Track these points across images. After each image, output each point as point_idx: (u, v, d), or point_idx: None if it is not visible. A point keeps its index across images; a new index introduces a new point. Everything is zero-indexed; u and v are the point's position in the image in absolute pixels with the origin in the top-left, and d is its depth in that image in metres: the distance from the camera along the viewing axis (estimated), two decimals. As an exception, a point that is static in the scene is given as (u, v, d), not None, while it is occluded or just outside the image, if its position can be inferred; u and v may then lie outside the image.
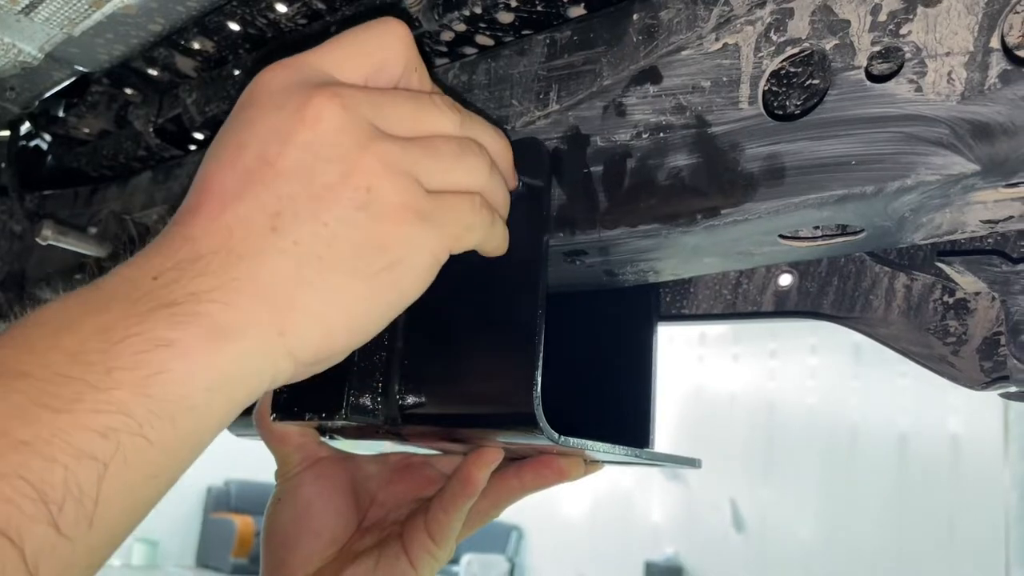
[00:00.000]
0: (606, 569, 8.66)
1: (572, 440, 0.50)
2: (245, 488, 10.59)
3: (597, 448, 0.52)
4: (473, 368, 0.52)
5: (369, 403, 0.53)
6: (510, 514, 9.43)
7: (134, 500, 0.32)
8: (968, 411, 6.75)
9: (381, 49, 0.44)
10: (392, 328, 0.55)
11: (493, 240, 0.48)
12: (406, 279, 0.41)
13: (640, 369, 0.68)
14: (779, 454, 7.72)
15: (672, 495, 8.46)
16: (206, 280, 0.36)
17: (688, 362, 8.54)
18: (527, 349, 0.49)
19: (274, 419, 0.56)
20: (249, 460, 10.10)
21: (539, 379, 0.48)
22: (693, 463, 0.61)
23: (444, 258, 0.44)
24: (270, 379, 0.38)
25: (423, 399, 0.53)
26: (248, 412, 0.61)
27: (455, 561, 9.11)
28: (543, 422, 0.48)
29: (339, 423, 0.54)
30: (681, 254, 0.54)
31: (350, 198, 0.39)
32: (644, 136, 0.51)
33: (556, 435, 0.48)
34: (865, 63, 0.42)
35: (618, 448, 0.54)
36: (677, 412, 8.35)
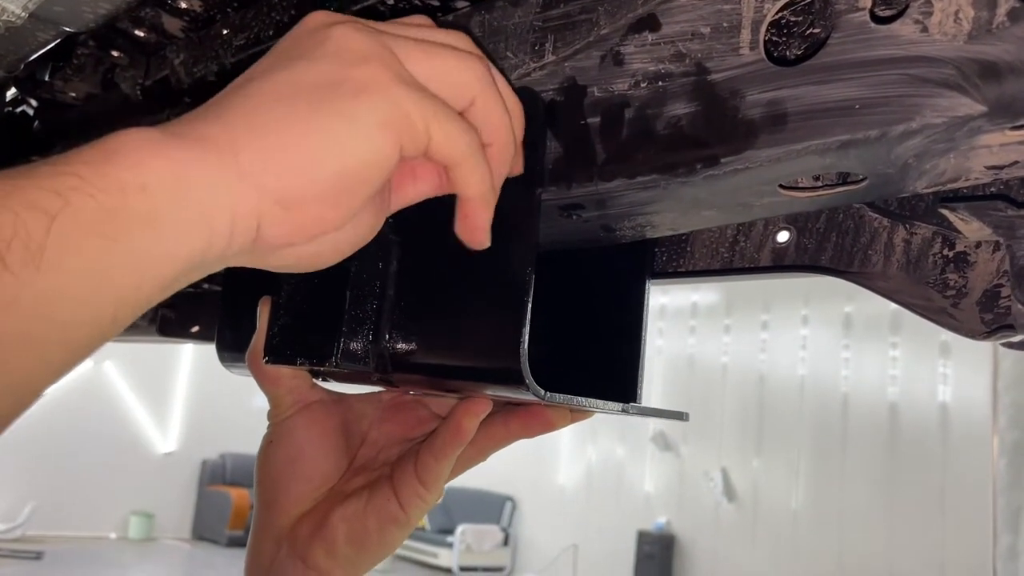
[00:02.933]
0: (599, 538, 8.74)
1: (559, 396, 0.50)
2: (240, 461, 10.64)
3: (584, 403, 0.52)
4: (463, 320, 0.52)
5: (360, 350, 0.53)
6: (504, 485, 9.50)
7: (85, 262, 0.33)
8: (957, 381, 6.80)
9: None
10: (384, 276, 0.55)
11: (471, 166, 0.44)
12: (357, 111, 0.40)
13: (630, 325, 0.67)
14: (770, 424, 7.78)
15: (664, 465, 8.53)
16: (177, 120, 0.40)
17: (680, 333, 8.56)
18: (516, 305, 0.48)
19: (266, 361, 0.56)
20: (244, 433, 10.14)
21: (527, 335, 0.48)
22: (681, 416, 0.61)
23: (410, 130, 0.41)
24: (228, 201, 0.38)
25: (413, 348, 0.53)
26: (242, 351, 0.61)
27: (450, 531, 9.18)
28: (529, 378, 0.47)
29: (330, 369, 0.54)
30: (680, 207, 0.53)
31: (321, 53, 0.41)
32: (642, 85, 0.50)
33: (542, 391, 0.48)
34: (869, 4, 0.41)
35: (605, 404, 0.54)
36: (669, 383, 8.39)
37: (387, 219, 0.51)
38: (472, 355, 0.51)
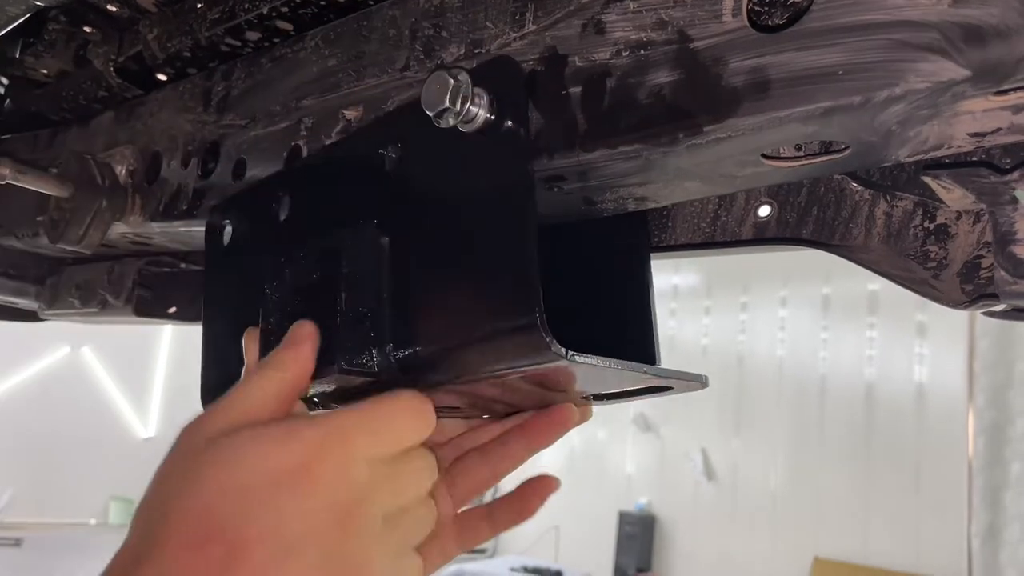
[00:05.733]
0: (581, 520, 8.79)
1: (582, 357, 0.47)
2: (220, 446, 10.57)
3: (607, 365, 0.49)
4: (469, 303, 0.49)
5: (363, 358, 0.51)
6: (485, 468, 9.50)
7: None
8: (933, 362, 6.87)
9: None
10: (377, 279, 0.52)
11: None
12: None
13: (639, 295, 0.66)
14: (749, 405, 7.82)
15: (645, 447, 8.57)
16: None
17: (661, 315, 8.58)
18: (523, 266, 0.46)
19: None
20: (223, 418, 10.04)
21: (540, 291, 0.45)
22: (699, 379, 0.57)
23: None
24: None
25: (417, 347, 0.50)
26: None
27: (431, 514, 9.17)
28: (550, 336, 0.45)
29: (329, 385, 0.51)
30: (662, 178, 0.52)
31: (342, 559, 0.44)
32: (624, 54, 0.50)
33: (563, 350, 0.46)
34: (853, -31, 0.41)
35: (628, 364, 0.51)
36: (650, 365, 8.40)
37: (373, 220, 0.51)
38: (484, 333, 0.48)
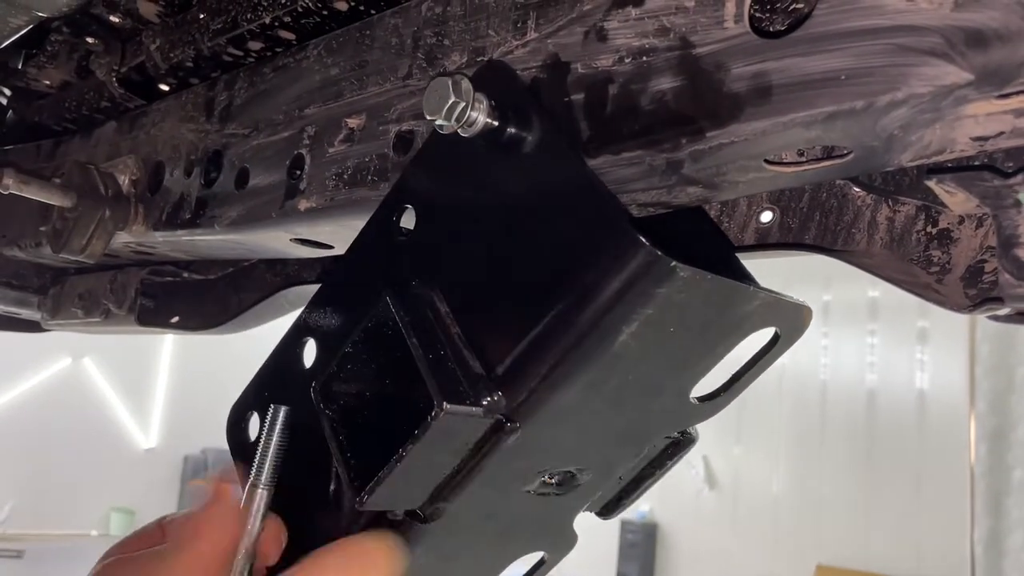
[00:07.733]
0: (582, 529, 8.75)
1: (688, 270, 0.41)
2: (222, 456, 10.57)
3: (709, 277, 0.43)
4: (547, 279, 0.45)
5: (459, 389, 0.47)
6: (487, 477, 9.48)
7: None
8: (934, 367, 6.87)
9: None
10: (438, 323, 0.50)
11: None
12: None
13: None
14: (751, 412, 7.82)
15: (647, 454, 8.56)
16: None
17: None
18: (592, 192, 0.43)
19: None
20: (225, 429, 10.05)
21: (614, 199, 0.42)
22: (802, 303, 0.51)
23: None
24: None
25: (509, 354, 0.47)
26: None
27: (433, 524, 9.16)
28: (642, 237, 0.40)
29: (435, 421, 0.46)
30: (665, 184, 0.53)
31: None
32: (626, 61, 0.50)
33: (664, 257, 0.40)
34: (855, -25, 0.41)
35: (730, 281, 0.45)
36: (651, 373, 8.40)
37: (410, 282, 0.51)
38: (576, 291, 0.44)
